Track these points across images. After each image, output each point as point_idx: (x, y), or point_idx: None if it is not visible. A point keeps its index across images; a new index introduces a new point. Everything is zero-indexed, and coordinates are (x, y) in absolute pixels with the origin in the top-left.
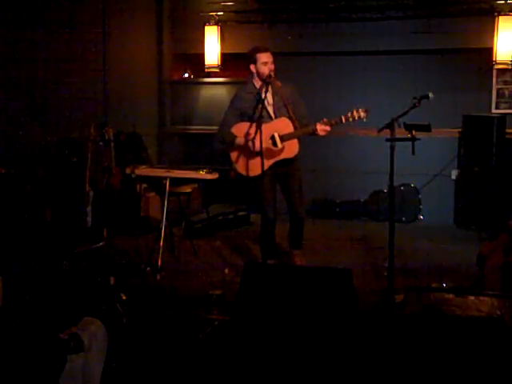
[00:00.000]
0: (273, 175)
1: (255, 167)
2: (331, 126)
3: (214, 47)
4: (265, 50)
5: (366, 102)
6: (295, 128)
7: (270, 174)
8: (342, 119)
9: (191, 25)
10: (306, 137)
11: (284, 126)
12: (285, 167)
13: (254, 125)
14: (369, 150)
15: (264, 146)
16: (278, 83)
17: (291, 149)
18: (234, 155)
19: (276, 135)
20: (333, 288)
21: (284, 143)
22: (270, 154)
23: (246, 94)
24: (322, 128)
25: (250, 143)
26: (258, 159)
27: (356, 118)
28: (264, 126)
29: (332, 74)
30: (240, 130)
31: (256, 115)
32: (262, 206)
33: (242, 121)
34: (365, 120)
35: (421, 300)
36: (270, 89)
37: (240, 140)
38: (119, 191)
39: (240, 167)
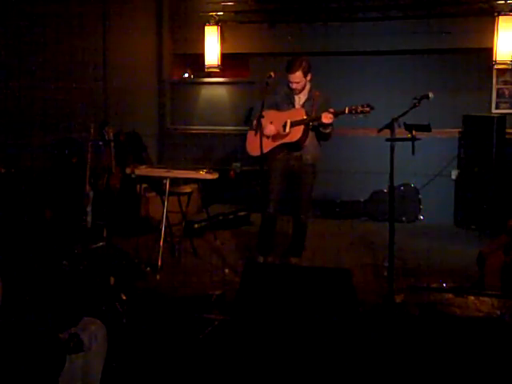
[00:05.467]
0: (285, 171)
1: (258, 147)
2: (335, 115)
3: (214, 47)
4: (292, 72)
5: (366, 102)
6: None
7: (282, 167)
8: (345, 110)
9: (191, 25)
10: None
11: (298, 114)
12: (297, 167)
13: (275, 113)
14: (369, 149)
15: (276, 130)
16: (317, 92)
17: (294, 134)
18: (249, 134)
19: (288, 122)
20: (332, 288)
21: (291, 129)
22: (276, 137)
23: (283, 90)
24: (325, 115)
25: (266, 125)
26: (264, 141)
27: (359, 112)
28: (282, 114)
29: (332, 73)
30: (268, 115)
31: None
32: (266, 199)
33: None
34: (366, 116)
35: (421, 300)
36: (306, 93)
37: (254, 122)
38: (119, 191)
39: (248, 145)
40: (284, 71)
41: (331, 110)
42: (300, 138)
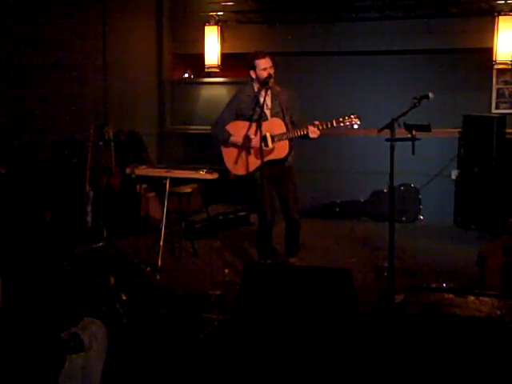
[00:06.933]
0: (269, 177)
1: (245, 166)
2: (322, 129)
3: (214, 47)
4: (263, 56)
5: (366, 102)
6: (287, 130)
7: (266, 174)
8: (333, 123)
9: (191, 25)
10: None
11: (276, 126)
12: (279, 171)
13: (251, 125)
14: (369, 150)
15: (257, 145)
16: (278, 88)
17: (281, 150)
18: (226, 152)
19: (268, 135)
20: (332, 288)
21: (274, 144)
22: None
23: (245, 96)
24: (312, 130)
25: (254, 142)
26: (250, 158)
27: (347, 124)
28: (256, 126)
29: (332, 74)
30: (236, 128)
31: (254, 117)
32: (260, 206)
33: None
34: (355, 127)
35: (421, 300)
36: (269, 93)
37: (235, 139)
38: (119, 191)
39: (230, 165)
40: (255, 63)
41: (316, 123)
42: (287, 154)
